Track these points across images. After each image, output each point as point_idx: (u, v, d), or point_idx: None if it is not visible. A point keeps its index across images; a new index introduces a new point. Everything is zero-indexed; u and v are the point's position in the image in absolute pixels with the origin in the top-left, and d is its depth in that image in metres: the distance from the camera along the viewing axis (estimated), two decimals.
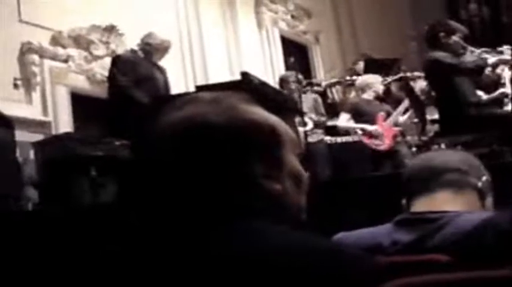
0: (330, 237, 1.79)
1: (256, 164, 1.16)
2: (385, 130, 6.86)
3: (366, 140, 6.96)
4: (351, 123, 7.19)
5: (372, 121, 6.96)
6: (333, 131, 7.73)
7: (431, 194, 1.83)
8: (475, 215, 1.69)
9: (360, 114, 7.08)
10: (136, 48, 6.35)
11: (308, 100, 7.38)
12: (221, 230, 1.08)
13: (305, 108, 7.14)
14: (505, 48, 5.83)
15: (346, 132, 7.74)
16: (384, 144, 6.81)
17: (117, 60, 6.24)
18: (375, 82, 7.24)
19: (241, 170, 1.15)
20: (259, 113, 1.22)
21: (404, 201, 1.89)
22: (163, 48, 6.30)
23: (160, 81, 6.14)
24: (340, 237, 1.86)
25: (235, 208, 1.13)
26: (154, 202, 1.18)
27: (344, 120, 7.23)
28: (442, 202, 1.80)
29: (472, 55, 5.72)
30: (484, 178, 1.87)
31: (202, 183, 1.13)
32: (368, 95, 7.17)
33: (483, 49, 5.87)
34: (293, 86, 7.11)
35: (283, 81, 7.42)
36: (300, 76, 7.61)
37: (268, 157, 1.18)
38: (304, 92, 7.48)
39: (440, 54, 5.65)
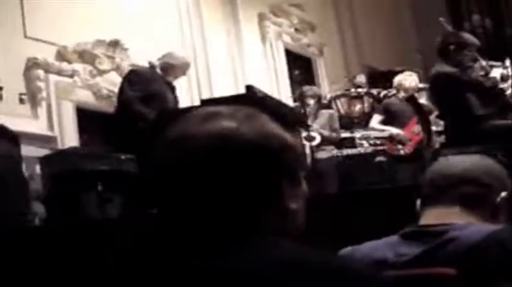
0: (338, 250, 1.79)
1: (285, 185, 1.18)
2: (412, 135, 6.82)
3: (387, 145, 6.97)
4: (379, 126, 7.19)
5: (405, 123, 6.94)
6: (341, 143, 7.72)
7: (442, 206, 1.77)
8: (480, 229, 1.64)
9: (392, 116, 7.07)
10: (156, 63, 6.29)
11: (323, 116, 7.32)
12: (244, 248, 1.09)
13: (318, 124, 7.09)
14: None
15: (352, 144, 7.73)
16: (405, 149, 6.79)
17: (130, 74, 6.20)
18: (408, 81, 7.15)
19: (272, 191, 1.16)
20: (286, 133, 1.22)
21: (418, 206, 1.83)
22: (182, 71, 6.26)
23: (171, 100, 6.09)
24: (348, 251, 1.83)
25: (259, 226, 1.13)
26: (175, 216, 1.16)
27: (375, 121, 7.24)
28: (452, 216, 1.74)
29: (479, 70, 5.72)
30: (503, 194, 1.77)
31: (232, 199, 1.13)
32: (401, 95, 7.14)
33: (492, 63, 5.88)
34: (311, 101, 7.08)
35: (301, 95, 7.38)
36: (319, 91, 7.61)
37: (293, 178, 1.20)
38: (318, 109, 7.41)
39: (447, 69, 5.64)
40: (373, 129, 7.44)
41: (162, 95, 5.96)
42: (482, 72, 5.75)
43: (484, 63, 5.84)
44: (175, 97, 6.21)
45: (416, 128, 6.86)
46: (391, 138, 6.96)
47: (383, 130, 7.18)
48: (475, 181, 1.77)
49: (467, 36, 5.93)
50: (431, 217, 1.78)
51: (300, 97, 7.43)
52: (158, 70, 6.15)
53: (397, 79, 7.30)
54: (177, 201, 1.16)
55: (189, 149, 1.14)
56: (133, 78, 6.04)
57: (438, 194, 1.78)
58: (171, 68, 6.13)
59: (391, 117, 7.09)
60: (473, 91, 5.62)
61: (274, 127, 1.20)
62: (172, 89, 6.22)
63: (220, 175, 1.12)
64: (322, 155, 7.01)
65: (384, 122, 7.19)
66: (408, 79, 7.23)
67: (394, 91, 7.70)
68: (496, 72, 5.80)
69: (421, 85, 8.04)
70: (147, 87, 5.88)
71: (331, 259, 1.09)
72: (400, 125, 6.96)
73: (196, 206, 1.14)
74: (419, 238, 1.71)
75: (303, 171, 1.25)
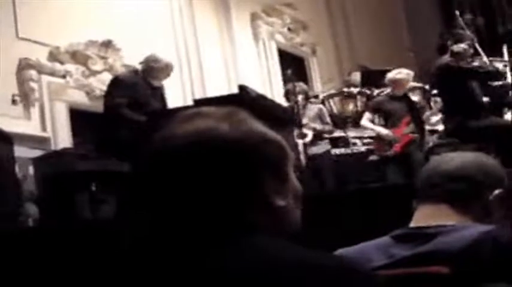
0: (333, 250, 1.78)
1: (267, 181, 1.17)
2: (402, 136, 6.78)
3: (376, 145, 6.97)
4: (369, 125, 7.18)
5: (395, 122, 6.88)
6: (336, 141, 7.75)
7: (433, 205, 1.74)
8: (473, 229, 1.62)
9: (384, 114, 7.04)
10: (138, 67, 6.21)
11: (312, 110, 7.34)
12: (231, 246, 1.08)
13: (309, 118, 7.10)
14: None
15: (346, 143, 7.76)
16: (392, 150, 6.76)
17: (116, 81, 6.08)
18: (403, 78, 7.02)
19: (253, 186, 1.15)
20: (267, 129, 1.22)
21: (414, 204, 1.80)
22: (166, 73, 6.11)
23: (157, 102, 6.00)
24: (340, 253, 1.77)
25: (244, 223, 1.13)
26: (160, 216, 1.16)
27: (366, 119, 7.21)
28: (443, 215, 1.71)
29: (481, 62, 5.80)
30: (496, 191, 1.72)
31: (214, 197, 1.13)
32: (393, 92, 7.07)
33: (491, 58, 5.95)
34: (299, 97, 7.09)
35: (288, 92, 7.39)
36: (306, 87, 7.63)
37: (277, 173, 1.19)
38: (306, 104, 7.43)
39: (447, 59, 5.72)
40: (364, 127, 7.44)
41: (147, 100, 5.86)
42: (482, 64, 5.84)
43: (485, 58, 5.91)
44: (162, 99, 6.12)
45: (407, 129, 6.82)
46: (379, 139, 6.94)
47: (373, 129, 7.17)
48: (467, 178, 1.73)
49: (463, 32, 6.02)
50: (423, 215, 1.75)
51: (287, 94, 7.44)
52: (141, 74, 6.03)
53: (389, 75, 7.21)
54: (161, 201, 1.16)
55: (167, 149, 1.16)
56: (118, 84, 5.94)
57: (431, 191, 1.76)
58: (153, 71, 6.00)
59: (382, 116, 7.07)
60: (473, 79, 5.68)
61: (254, 123, 1.20)
62: (157, 92, 6.12)
63: (198, 172, 1.13)
64: (316, 150, 7.02)
65: (374, 121, 7.17)
66: (399, 73, 7.09)
67: (387, 90, 7.70)
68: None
69: (414, 84, 8.05)
70: (132, 93, 5.78)
71: (321, 257, 1.08)
72: (391, 124, 6.92)
73: (179, 205, 1.14)
74: (410, 240, 1.69)
75: (291, 167, 1.24)
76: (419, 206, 1.78)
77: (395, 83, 7.03)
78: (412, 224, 1.77)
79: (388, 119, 6.94)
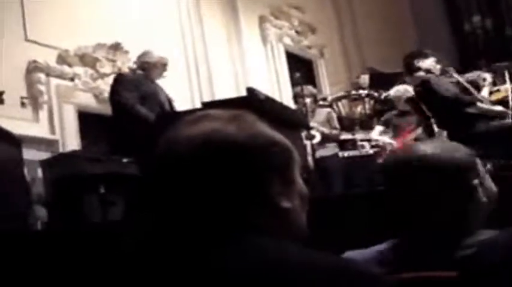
0: (340, 252, 1.78)
1: (273, 182, 1.17)
2: (400, 145, 6.93)
3: (379, 153, 7.09)
4: (376, 136, 7.48)
5: (396, 134, 7.22)
6: (344, 144, 7.78)
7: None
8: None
9: (391, 127, 7.37)
10: (134, 66, 6.27)
11: (321, 114, 7.43)
12: (234, 247, 1.09)
13: (317, 122, 7.17)
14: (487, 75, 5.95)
15: (354, 145, 7.80)
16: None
17: (121, 78, 6.13)
18: (402, 95, 7.37)
19: (259, 188, 1.16)
20: (274, 131, 1.23)
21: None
22: (161, 66, 6.15)
23: (163, 97, 6.07)
24: (346, 256, 1.74)
25: (249, 225, 1.13)
26: (165, 217, 1.18)
27: (376, 132, 7.55)
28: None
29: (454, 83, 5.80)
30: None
31: (220, 198, 1.13)
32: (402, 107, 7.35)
33: (466, 75, 5.95)
34: (307, 100, 7.14)
35: (297, 95, 7.44)
36: (315, 90, 7.69)
37: (283, 175, 1.20)
38: (315, 108, 7.50)
39: (426, 76, 5.72)
40: (371, 139, 7.65)
41: (153, 94, 5.92)
42: (453, 80, 5.84)
43: (455, 75, 5.90)
44: (166, 94, 6.16)
45: (410, 137, 6.99)
46: (383, 147, 7.14)
47: (377, 140, 7.38)
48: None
49: (429, 51, 6.09)
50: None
51: (295, 96, 7.48)
52: (139, 72, 6.09)
53: (393, 91, 7.54)
54: (167, 202, 1.18)
55: (174, 152, 1.17)
56: (125, 81, 5.98)
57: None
58: (150, 67, 6.07)
59: (389, 129, 7.41)
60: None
61: (261, 126, 1.21)
62: (160, 87, 6.16)
63: (204, 173, 1.14)
64: (324, 152, 7.08)
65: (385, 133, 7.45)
66: (400, 91, 7.47)
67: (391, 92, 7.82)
68: (485, 91, 5.87)
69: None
70: (138, 89, 5.83)
71: (325, 258, 1.08)
72: (393, 136, 7.30)
73: (185, 206, 1.15)
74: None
75: (297, 170, 1.25)
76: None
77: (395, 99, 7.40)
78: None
79: (395, 133, 7.19)
